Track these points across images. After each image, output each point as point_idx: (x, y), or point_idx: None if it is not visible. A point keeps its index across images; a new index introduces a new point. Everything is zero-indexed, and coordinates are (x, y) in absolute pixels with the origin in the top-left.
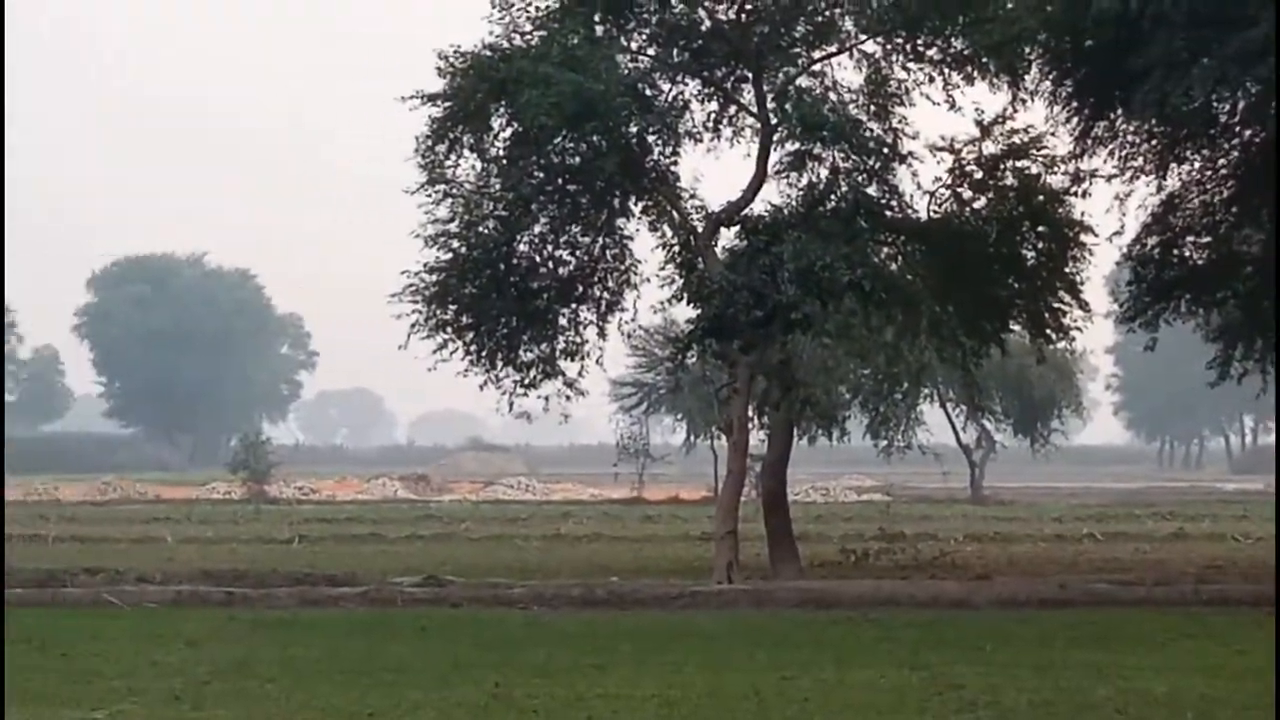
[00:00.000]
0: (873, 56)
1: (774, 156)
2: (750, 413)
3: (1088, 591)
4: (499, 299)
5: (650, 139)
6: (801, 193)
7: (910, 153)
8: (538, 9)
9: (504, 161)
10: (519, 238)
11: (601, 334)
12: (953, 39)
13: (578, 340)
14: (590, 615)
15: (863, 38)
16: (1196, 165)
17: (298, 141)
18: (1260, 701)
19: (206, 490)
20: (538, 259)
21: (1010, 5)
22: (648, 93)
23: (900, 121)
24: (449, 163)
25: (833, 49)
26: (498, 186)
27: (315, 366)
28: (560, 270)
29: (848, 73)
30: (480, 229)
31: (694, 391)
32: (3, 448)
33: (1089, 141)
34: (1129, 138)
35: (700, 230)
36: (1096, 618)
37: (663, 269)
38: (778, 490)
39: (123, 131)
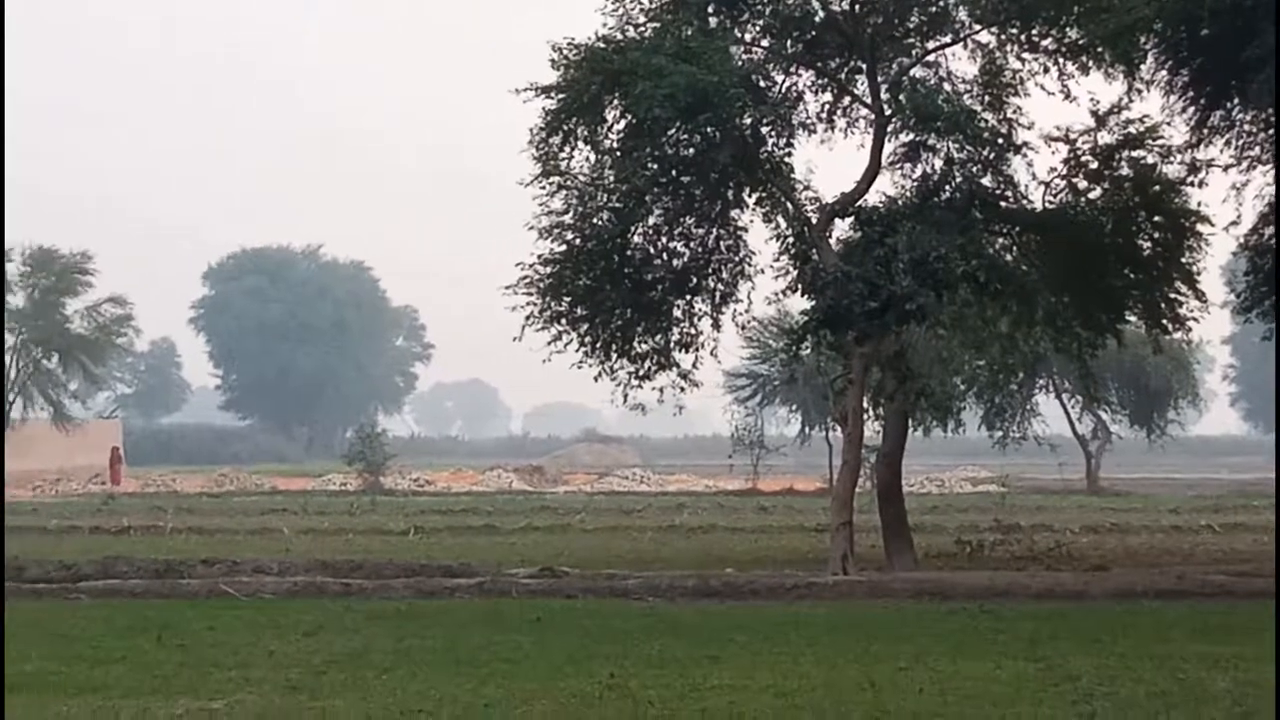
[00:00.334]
0: (987, 47)
1: (888, 147)
2: (865, 404)
3: (1205, 583)
4: (613, 291)
5: (764, 130)
6: (916, 183)
7: (1025, 143)
8: (652, 1)
9: (618, 153)
10: (633, 229)
11: (716, 325)
12: (1067, 28)
13: (692, 332)
14: (705, 606)
15: (977, 28)
16: None
17: (413, 134)
18: None
19: (322, 482)
20: (652, 250)
21: None
22: (761, 84)
23: (1015, 112)
24: (563, 155)
25: (947, 39)
26: (612, 178)
27: (430, 358)
28: (674, 262)
29: (962, 63)
30: (594, 221)
31: (809, 383)
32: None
33: (1205, 131)
34: (1246, 127)
35: (814, 221)
36: (1214, 609)
37: (777, 260)
38: (892, 481)
39: (239, 125)
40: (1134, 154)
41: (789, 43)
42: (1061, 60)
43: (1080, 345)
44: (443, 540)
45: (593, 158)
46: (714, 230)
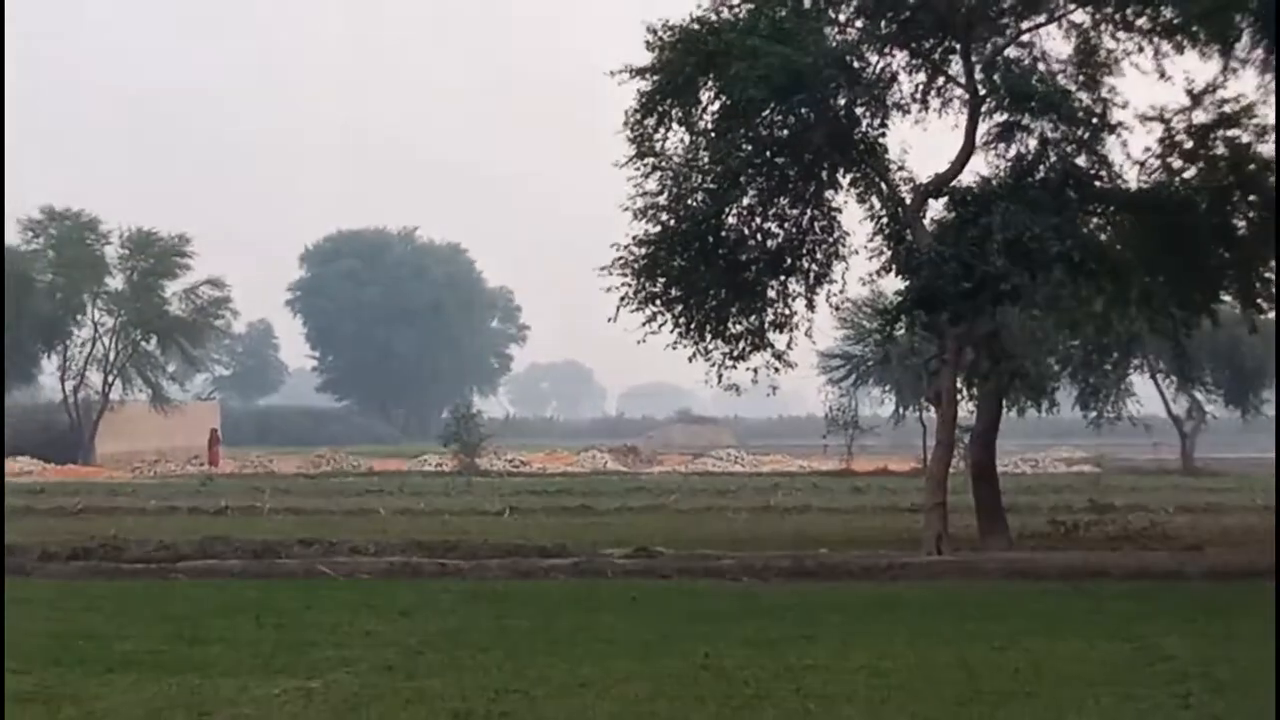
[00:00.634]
0: (1081, 26)
1: (982, 127)
2: (959, 384)
3: None
4: (708, 271)
5: (858, 111)
6: (1010, 164)
7: (1119, 123)
8: None
9: (712, 134)
10: (727, 210)
11: (810, 306)
12: (1162, 7)
13: (786, 312)
14: (800, 586)
15: (1071, 7)
16: None
17: (508, 117)
18: None
19: (418, 463)
20: (746, 231)
21: None
22: (855, 65)
23: (1109, 91)
24: (658, 136)
25: (1041, 19)
26: (706, 159)
27: (526, 340)
28: (769, 242)
29: (1056, 43)
30: (689, 202)
31: (902, 363)
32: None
33: None
34: None
35: (908, 202)
36: None
37: (871, 241)
38: (986, 462)
39: (333, 109)
40: (1229, 133)
41: (883, 23)
42: (1156, 39)
43: (1175, 325)
44: (538, 520)
45: (687, 139)
46: (808, 211)
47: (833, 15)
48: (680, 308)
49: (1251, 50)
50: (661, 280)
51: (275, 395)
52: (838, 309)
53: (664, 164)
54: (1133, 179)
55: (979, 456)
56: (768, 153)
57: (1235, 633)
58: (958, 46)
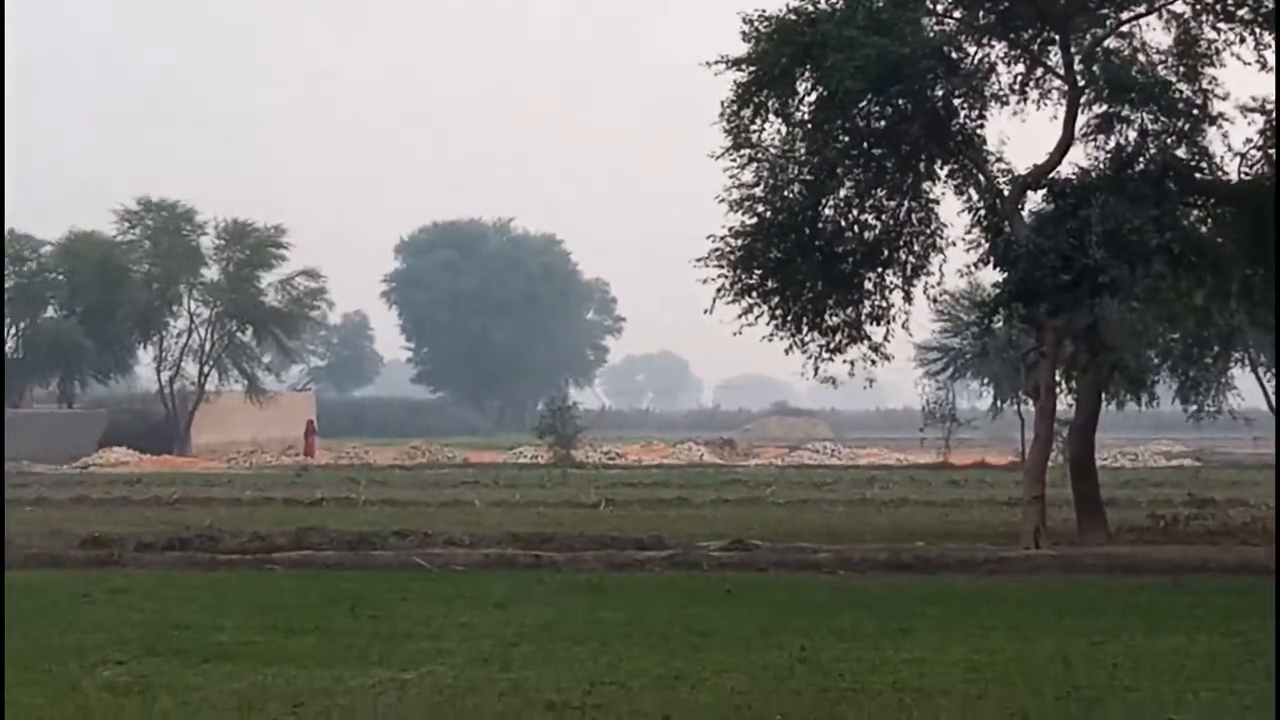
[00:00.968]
0: (1182, 17)
1: (1081, 119)
2: (1058, 377)
3: None
4: (804, 263)
5: (956, 102)
6: (1109, 155)
7: (1220, 114)
8: None
9: (809, 125)
10: (824, 202)
11: (907, 298)
12: None
13: (883, 304)
14: (896, 580)
15: None
16: None
17: (603, 107)
18: None
19: (513, 454)
20: (843, 223)
21: None
22: (953, 55)
23: (1210, 82)
24: (754, 127)
25: (1141, 9)
26: (803, 150)
27: (621, 331)
28: (866, 234)
29: (1156, 33)
30: (785, 193)
31: (1000, 356)
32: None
33: None
34: None
35: (1007, 193)
36: None
37: (969, 233)
38: (1085, 455)
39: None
40: None
41: (981, 14)
42: (1258, 29)
43: (1276, 318)
44: (633, 513)
45: (783, 130)
46: (905, 202)
47: (930, 5)
48: (776, 299)
49: None
50: (758, 272)
51: (370, 386)
52: (935, 301)
53: (760, 155)
54: (1233, 171)
55: (1078, 450)
56: (865, 144)
57: None
58: (1057, 37)
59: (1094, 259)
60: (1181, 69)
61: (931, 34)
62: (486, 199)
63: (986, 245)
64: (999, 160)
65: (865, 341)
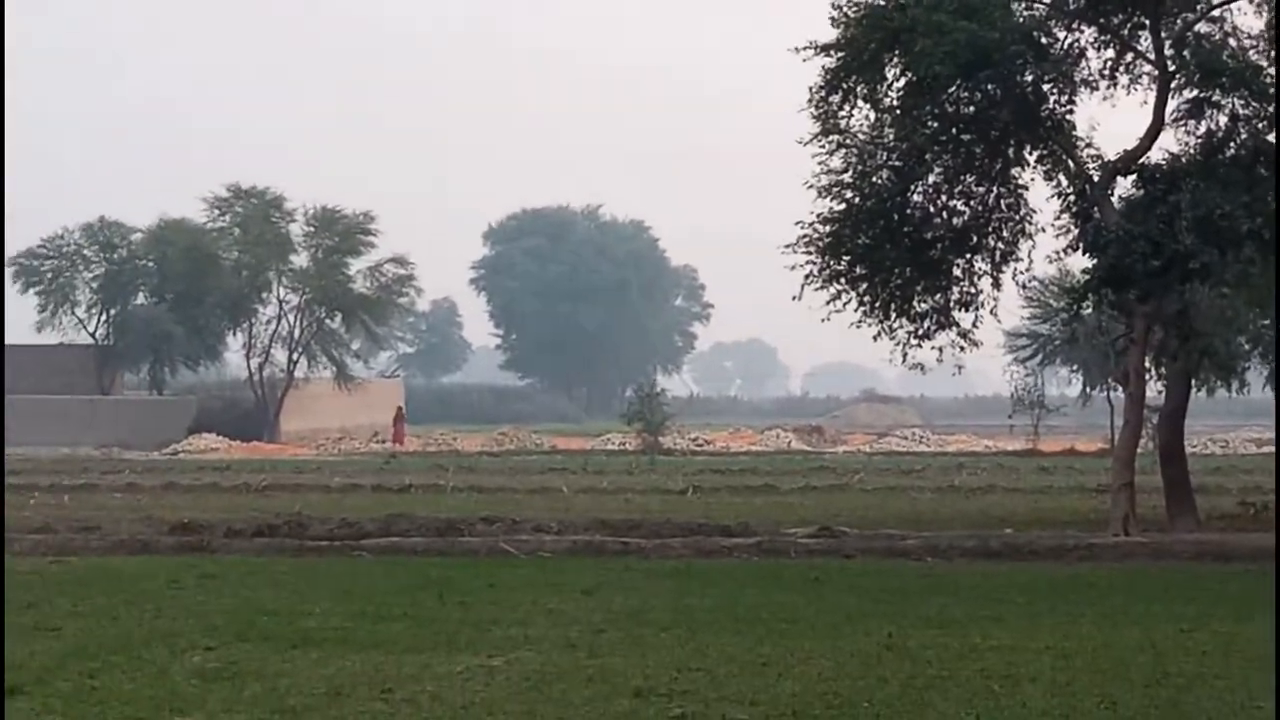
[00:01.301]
0: (1273, 0)
1: (1171, 104)
2: (1147, 363)
3: None
4: (893, 249)
5: (1045, 87)
6: (1200, 140)
7: None
8: None
9: (898, 111)
10: (913, 188)
11: (996, 284)
12: None
13: (972, 291)
14: (984, 567)
15: None
16: None
17: (690, 94)
18: None
19: (601, 441)
20: (932, 209)
21: None
22: (1043, 40)
23: None
24: (842, 113)
25: None
26: (891, 136)
27: (710, 318)
28: (954, 220)
29: (1248, 18)
30: (874, 179)
31: (1090, 342)
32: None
33: None
34: None
35: (1096, 179)
36: None
37: (1058, 218)
38: (1175, 442)
39: (521, 86)
40: None
41: None
42: None
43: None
44: (721, 499)
45: (872, 116)
46: (994, 188)
47: None
48: (865, 286)
49: None
50: (846, 258)
51: (458, 373)
52: (1024, 287)
53: (848, 141)
54: None
55: (1167, 437)
56: (954, 129)
57: None
58: (1147, 22)
59: (1184, 244)
60: (1273, 53)
61: (1021, 19)
62: (575, 185)
63: (1076, 231)
64: (1088, 146)
65: (954, 328)
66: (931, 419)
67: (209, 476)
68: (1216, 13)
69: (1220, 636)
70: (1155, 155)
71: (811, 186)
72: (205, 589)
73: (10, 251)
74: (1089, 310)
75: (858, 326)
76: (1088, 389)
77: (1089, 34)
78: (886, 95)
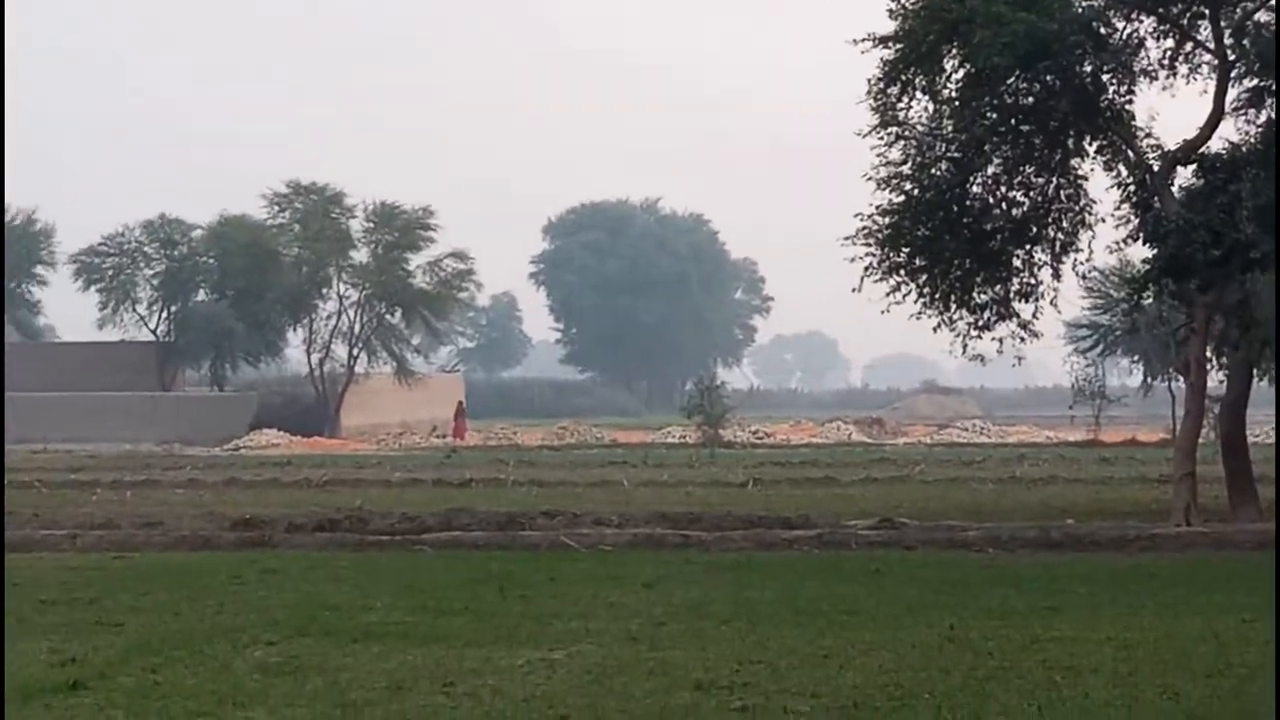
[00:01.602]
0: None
1: (1231, 93)
2: (1208, 353)
3: None
4: (952, 241)
5: (1105, 78)
6: (1260, 129)
7: None
8: None
9: (956, 102)
10: (972, 179)
11: (1056, 275)
12: None
13: (1032, 282)
14: (1045, 558)
15: None
16: None
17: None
18: None
19: (661, 434)
20: (991, 200)
21: None
22: (1102, 31)
23: None
24: (901, 105)
25: None
26: (950, 128)
27: (769, 311)
28: (1014, 211)
29: None
30: (933, 171)
31: (1151, 332)
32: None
33: None
34: None
35: (1156, 169)
36: None
37: (1118, 209)
38: (1236, 432)
39: (575, 82)
40: None
41: None
42: None
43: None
44: (781, 492)
45: (930, 107)
46: (1054, 179)
47: None
48: (924, 277)
49: None
50: (905, 250)
51: (518, 368)
52: (1084, 278)
53: (907, 133)
54: None
55: (1229, 427)
56: (1013, 120)
57: None
58: (1206, 11)
59: (1245, 234)
60: None
61: (1079, 9)
62: (633, 179)
63: (1136, 221)
64: (1148, 136)
65: (1014, 319)
66: (992, 410)
67: (270, 472)
68: (1275, 1)
69: None
70: (1215, 145)
71: (870, 178)
72: (266, 584)
73: (71, 249)
74: (1149, 300)
75: (917, 318)
76: (1149, 379)
77: (1148, 24)
78: (945, 87)
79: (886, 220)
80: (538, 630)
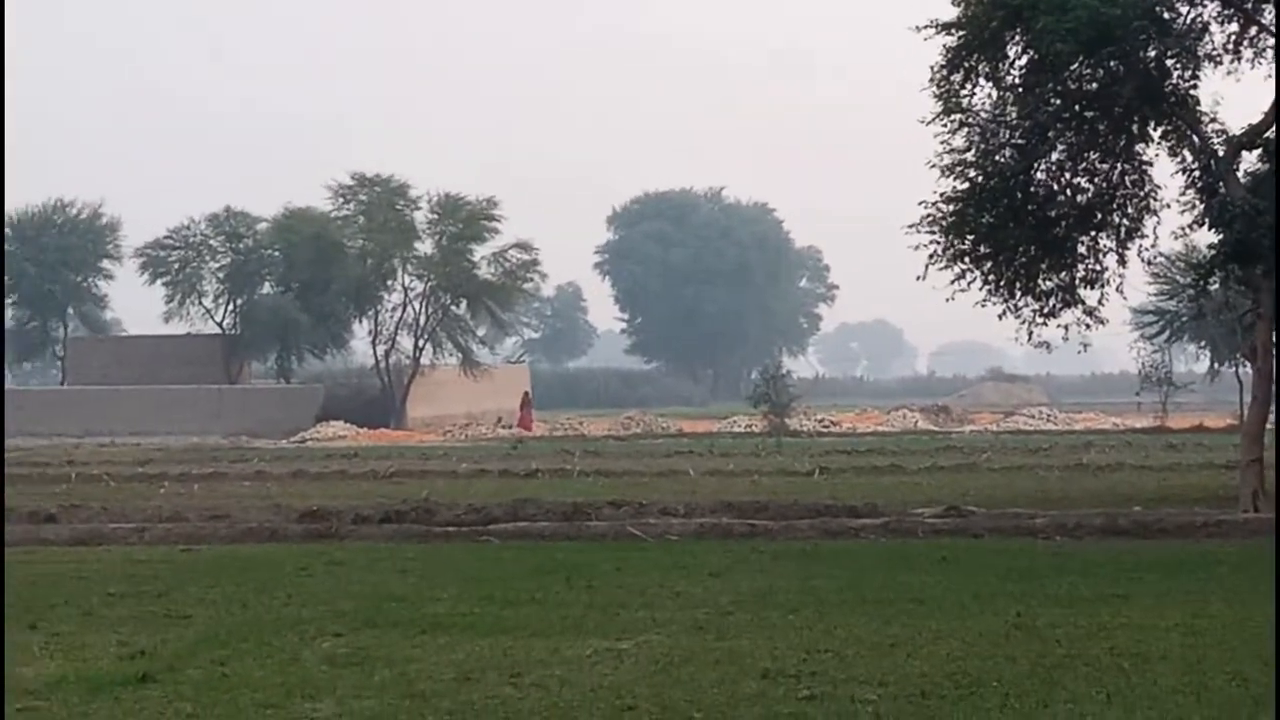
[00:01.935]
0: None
1: None
2: (1275, 338)
3: None
4: (1016, 228)
5: (1168, 63)
6: None
7: None
8: None
9: (1020, 89)
10: (1036, 166)
11: (1121, 261)
12: None
13: (1097, 268)
14: (1113, 544)
15: None
16: None
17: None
18: None
19: (727, 424)
20: (1055, 187)
21: None
22: (1165, 16)
23: None
24: (964, 92)
25: None
26: (1014, 114)
27: (834, 299)
28: (1078, 198)
29: None
30: (997, 158)
31: (1217, 318)
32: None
33: None
34: None
35: (1221, 154)
36: None
37: (1183, 194)
38: None
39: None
40: None
41: None
42: None
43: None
44: (847, 480)
45: (994, 94)
46: (1118, 165)
47: None
48: (989, 265)
49: None
50: (970, 237)
51: (584, 358)
52: (1149, 264)
53: (971, 120)
54: None
55: None
56: (1076, 107)
57: None
58: None
59: None
60: None
61: None
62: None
63: (1201, 207)
64: (1213, 121)
65: (1079, 305)
66: (1058, 397)
67: (336, 464)
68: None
69: None
70: None
71: (934, 166)
72: (333, 575)
73: (137, 243)
74: (1215, 286)
75: (983, 305)
76: (1215, 365)
77: (1211, 8)
78: (1008, 73)
79: (951, 208)
80: (604, 620)
